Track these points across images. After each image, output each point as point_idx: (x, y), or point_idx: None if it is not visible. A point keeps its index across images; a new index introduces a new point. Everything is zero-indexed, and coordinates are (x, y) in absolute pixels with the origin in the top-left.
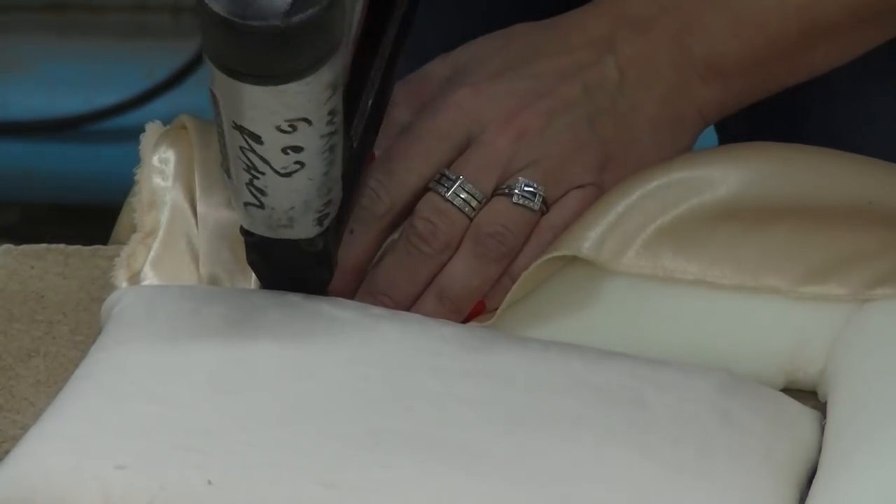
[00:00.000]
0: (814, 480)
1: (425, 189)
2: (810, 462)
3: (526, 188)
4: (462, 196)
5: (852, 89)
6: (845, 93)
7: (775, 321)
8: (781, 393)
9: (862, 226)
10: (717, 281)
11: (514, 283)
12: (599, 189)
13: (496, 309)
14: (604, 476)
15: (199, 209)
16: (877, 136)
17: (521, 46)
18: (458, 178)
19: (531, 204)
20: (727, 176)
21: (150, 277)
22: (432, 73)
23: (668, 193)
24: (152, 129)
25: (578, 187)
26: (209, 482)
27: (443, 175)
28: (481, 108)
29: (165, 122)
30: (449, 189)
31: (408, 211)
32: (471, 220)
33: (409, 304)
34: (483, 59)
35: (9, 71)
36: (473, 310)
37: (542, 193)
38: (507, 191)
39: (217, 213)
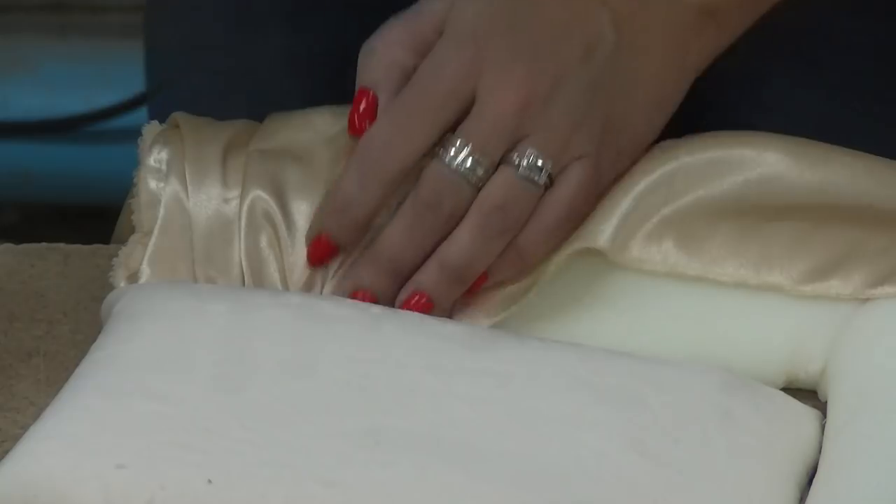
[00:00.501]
0: (814, 480)
1: (430, 150)
2: (811, 461)
3: (532, 162)
4: (468, 165)
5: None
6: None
7: (776, 320)
8: (782, 392)
9: (864, 225)
10: (719, 278)
11: (518, 255)
12: (596, 160)
13: (500, 282)
14: (603, 476)
15: (190, 207)
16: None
17: None
18: (464, 145)
19: (537, 178)
20: (736, 167)
21: (147, 275)
22: (429, 12)
23: (673, 181)
24: (150, 130)
25: (578, 158)
26: (209, 481)
27: (449, 140)
28: (486, 65)
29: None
30: (456, 157)
31: (413, 171)
32: (477, 189)
33: (412, 271)
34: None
35: (9, 71)
36: (476, 281)
37: (548, 168)
38: (514, 161)
39: (207, 211)
